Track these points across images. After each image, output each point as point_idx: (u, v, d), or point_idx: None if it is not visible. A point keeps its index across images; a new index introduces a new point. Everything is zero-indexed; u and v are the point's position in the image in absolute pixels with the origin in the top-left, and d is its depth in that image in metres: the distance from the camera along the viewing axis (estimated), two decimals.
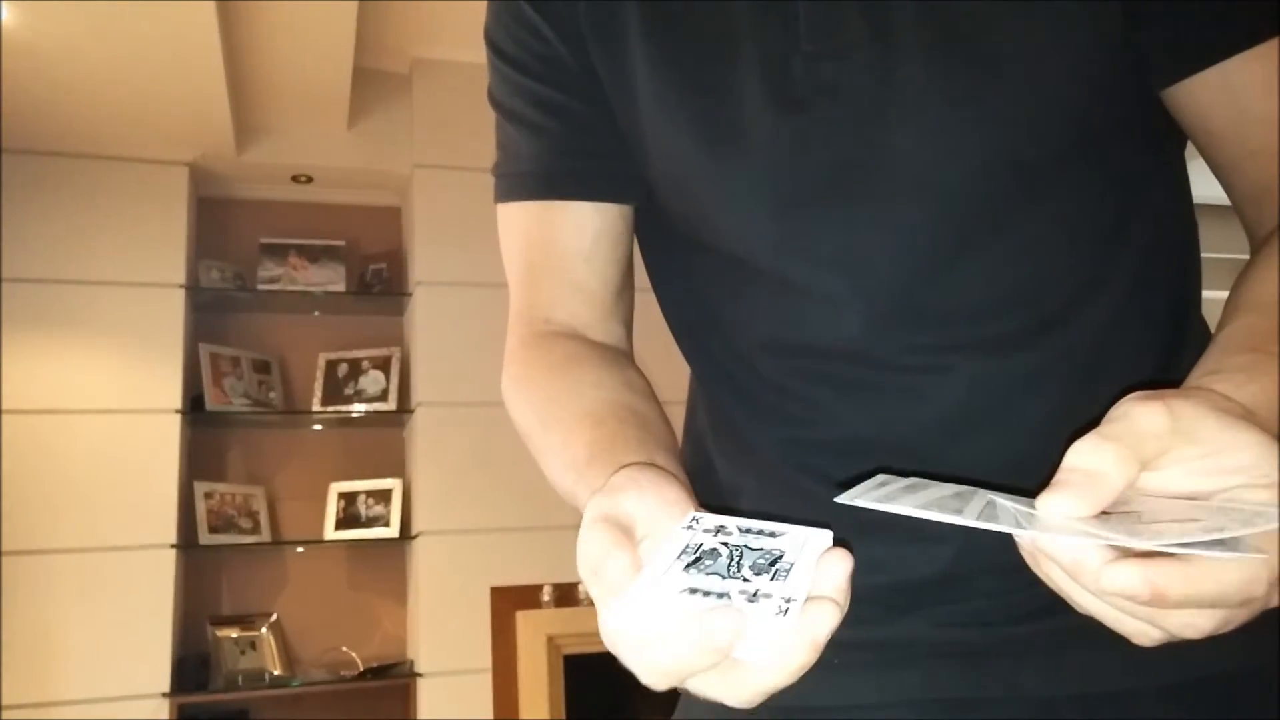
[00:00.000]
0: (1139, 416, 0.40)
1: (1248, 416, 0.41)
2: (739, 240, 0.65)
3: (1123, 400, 0.41)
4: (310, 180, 3.75)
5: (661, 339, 0.80)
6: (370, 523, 3.47)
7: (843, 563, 0.40)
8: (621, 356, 0.70)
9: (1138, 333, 0.63)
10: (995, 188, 0.60)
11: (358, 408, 3.55)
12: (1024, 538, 0.40)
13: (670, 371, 0.87)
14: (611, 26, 0.67)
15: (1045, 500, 0.39)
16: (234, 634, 3.29)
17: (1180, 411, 0.40)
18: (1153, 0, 0.58)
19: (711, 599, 0.39)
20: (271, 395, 3.55)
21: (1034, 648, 0.60)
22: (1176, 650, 0.57)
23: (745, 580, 0.40)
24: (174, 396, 3.29)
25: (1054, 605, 0.58)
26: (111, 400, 3.24)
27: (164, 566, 3.17)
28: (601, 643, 0.42)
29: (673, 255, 0.72)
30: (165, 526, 3.19)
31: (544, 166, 0.70)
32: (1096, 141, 0.61)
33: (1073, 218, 0.61)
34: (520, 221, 0.72)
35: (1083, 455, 0.40)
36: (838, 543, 0.42)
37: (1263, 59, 0.57)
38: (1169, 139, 0.65)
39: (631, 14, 0.66)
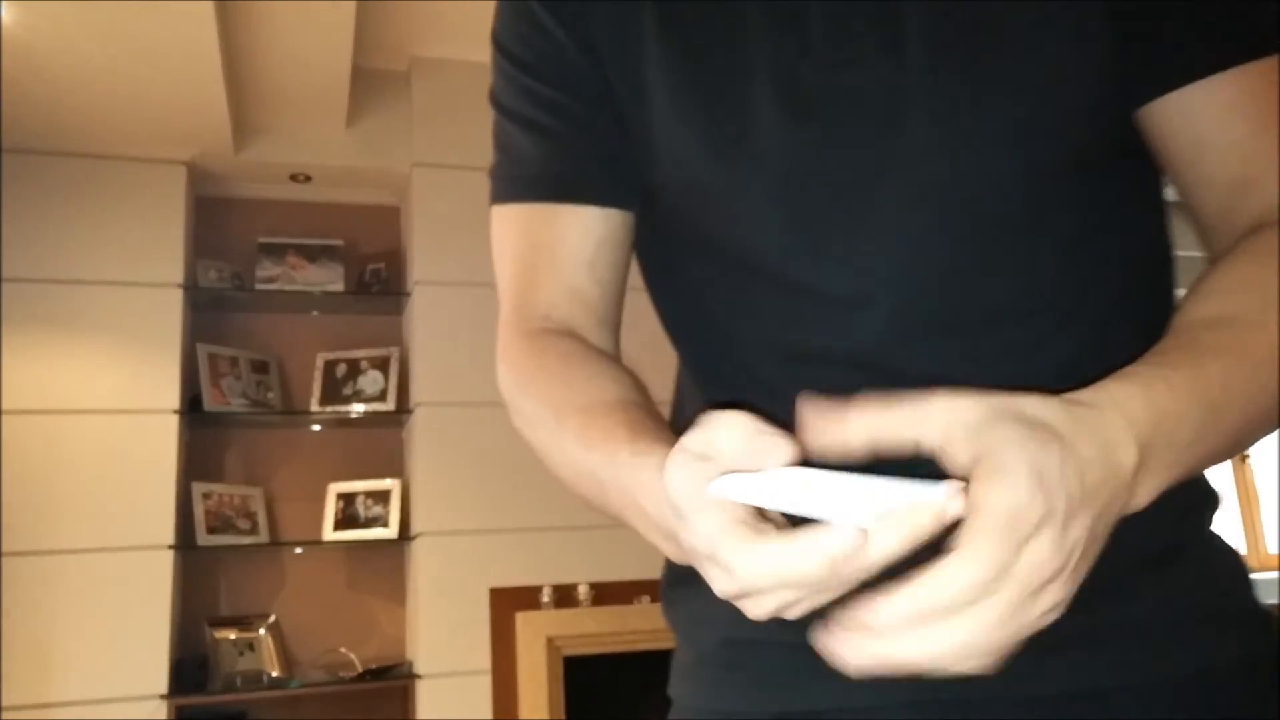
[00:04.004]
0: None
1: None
2: (749, 248, 0.65)
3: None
4: (309, 179, 3.74)
5: (648, 341, 0.79)
6: (369, 523, 3.46)
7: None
8: (619, 363, 0.71)
9: (1127, 341, 0.63)
10: (1006, 196, 0.60)
11: (356, 408, 3.54)
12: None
13: (659, 376, 0.88)
14: (626, 28, 0.67)
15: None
16: (232, 635, 3.28)
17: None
18: (1125, 20, 0.59)
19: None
20: (270, 395, 3.54)
21: (1026, 648, 0.60)
22: (1165, 648, 0.59)
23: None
24: (172, 397, 3.28)
25: None
26: (109, 400, 3.23)
27: (162, 567, 3.16)
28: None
29: (674, 258, 0.72)
30: (163, 527, 3.19)
31: (551, 169, 0.70)
32: (1099, 154, 0.62)
33: (1076, 229, 0.62)
34: (519, 223, 0.71)
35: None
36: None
37: (1225, 87, 0.59)
38: (1149, 158, 0.66)
39: (648, 16, 0.66)
